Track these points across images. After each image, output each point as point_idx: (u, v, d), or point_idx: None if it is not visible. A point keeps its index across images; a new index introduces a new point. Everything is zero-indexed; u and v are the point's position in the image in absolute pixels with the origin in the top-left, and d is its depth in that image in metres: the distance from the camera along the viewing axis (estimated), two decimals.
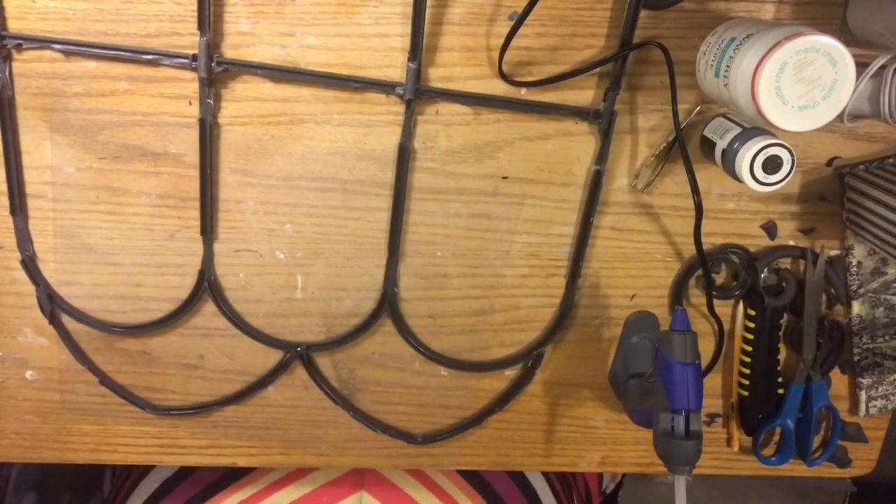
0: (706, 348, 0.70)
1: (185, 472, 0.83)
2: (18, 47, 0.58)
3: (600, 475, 1.00)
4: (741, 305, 0.68)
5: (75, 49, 0.57)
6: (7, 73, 0.58)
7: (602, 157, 0.62)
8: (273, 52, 0.58)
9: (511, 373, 0.70)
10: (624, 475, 1.09)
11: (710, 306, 0.66)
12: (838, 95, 0.49)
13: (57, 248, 0.64)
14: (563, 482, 0.90)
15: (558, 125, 0.62)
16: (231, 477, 0.80)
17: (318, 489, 0.77)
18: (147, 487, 0.85)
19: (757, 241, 0.67)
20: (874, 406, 0.71)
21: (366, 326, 0.67)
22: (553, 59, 0.60)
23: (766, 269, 0.67)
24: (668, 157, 0.63)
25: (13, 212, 0.62)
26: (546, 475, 0.87)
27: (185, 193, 0.62)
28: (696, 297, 0.68)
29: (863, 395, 0.71)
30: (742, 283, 0.67)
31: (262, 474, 0.79)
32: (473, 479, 0.81)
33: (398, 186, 0.62)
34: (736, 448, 0.73)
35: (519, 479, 0.84)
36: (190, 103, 0.60)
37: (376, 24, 0.58)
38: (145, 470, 0.87)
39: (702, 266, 0.63)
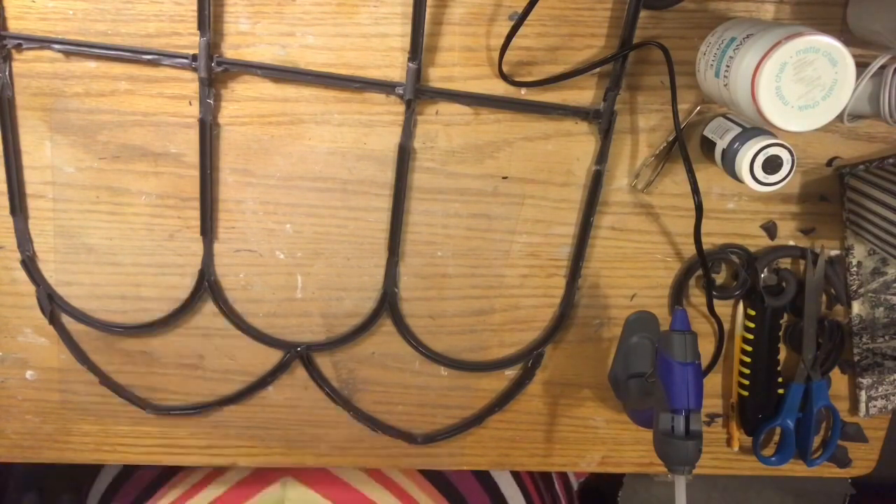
0: (706, 348, 0.70)
1: (129, 471, 0.83)
2: (18, 47, 0.58)
3: (564, 476, 0.99)
4: (741, 305, 0.68)
5: (75, 49, 0.57)
6: (7, 73, 0.58)
7: (602, 157, 0.62)
8: (273, 52, 0.59)
9: (511, 373, 0.70)
10: (624, 475, 1.09)
11: (711, 306, 0.66)
12: (838, 95, 0.49)
13: (57, 248, 0.64)
14: (534, 480, 0.89)
15: (558, 125, 0.62)
16: (169, 473, 0.80)
17: (246, 478, 0.77)
18: (96, 490, 0.85)
19: (757, 241, 0.67)
20: (874, 406, 0.71)
21: (366, 326, 0.67)
22: (553, 59, 0.60)
23: (766, 269, 0.67)
24: (668, 157, 0.63)
25: (13, 212, 0.62)
26: (516, 473, 0.87)
27: (185, 193, 0.62)
28: (697, 297, 0.68)
29: (863, 395, 0.71)
30: (742, 283, 0.67)
31: (195, 469, 0.79)
32: (434, 475, 0.81)
33: (398, 186, 0.62)
34: (736, 448, 0.73)
35: (483, 477, 0.84)
36: (190, 103, 0.60)
37: (376, 24, 0.58)
38: (96, 470, 0.87)
39: (702, 266, 0.63)
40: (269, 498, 0.75)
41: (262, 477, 0.77)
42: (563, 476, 0.98)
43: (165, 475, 0.81)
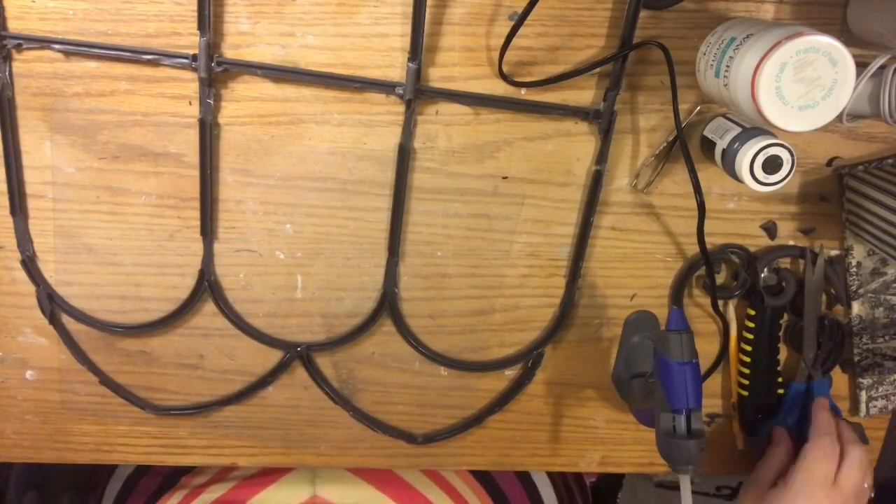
0: (710, 348, 0.70)
1: (144, 467, 0.83)
2: (18, 47, 0.58)
3: (578, 475, 1.00)
4: (740, 305, 0.68)
5: (75, 49, 0.57)
6: (7, 73, 0.58)
7: (602, 157, 0.62)
8: (273, 52, 0.59)
9: (511, 373, 0.70)
10: (623, 475, 1.09)
11: (715, 305, 0.66)
12: (838, 95, 0.49)
13: (57, 248, 0.64)
14: (565, 482, 0.90)
15: (558, 125, 0.62)
16: (187, 467, 0.80)
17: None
18: (114, 486, 0.85)
19: (757, 241, 0.67)
20: (874, 406, 0.71)
21: (366, 326, 0.67)
22: (553, 59, 0.60)
23: (766, 269, 0.67)
24: (669, 157, 0.63)
25: (13, 212, 0.62)
26: (550, 475, 0.88)
27: (185, 193, 0.62)
28: (697, 296, 0.68)
29: (863, 396, 0.71)
30: (742, 283, 0.67)
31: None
32: (478, 473, 0.81)
33: (398, 186, 0.62)
34: (741, 447, 0.73)
35: (523, 477, 0.85)
36: (190, 103, 0.60)
37: (376, 24, 0.58)
38: (111, 469, 0.87)
39: (705, 265, 0.63)
40: (300, 476, 0.74)
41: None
42: (577, 475, 0.99)
43: (184, 467, 0.80)
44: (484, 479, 0.81)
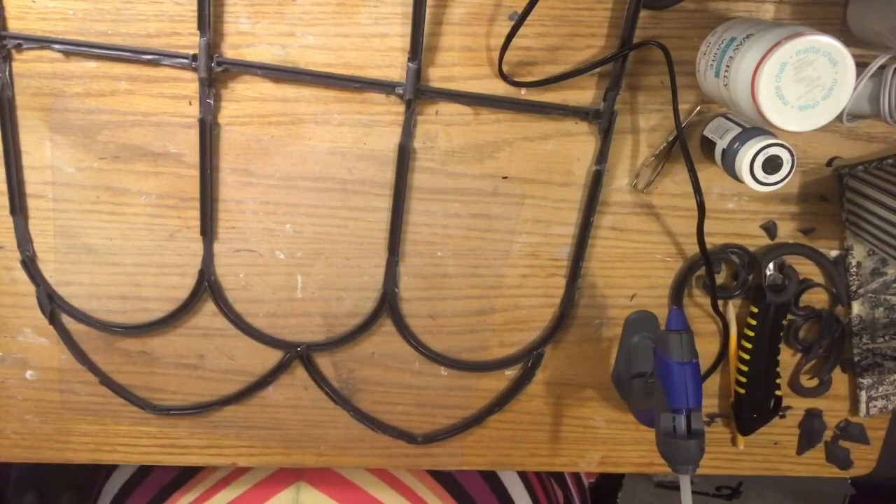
0: (710, 348, 0.70)
1: (143, 474, 0.84)
2: (18, 47, 0.58)
3: (576, 475, 1.00)
4: (740, 306, 0.68)
5: (75, 49, 0.57)
6: (7, 73, 0.58)
7: (602, 157, 0.62)
8: (273, 52, 0.59)
9: (511, 373, 0.70)
10: (623, 475, 1.09)
11: (715, 305, 0.66)
12: (838, 95, 0.49)
13: (57, 248, 0.64)
14: (540, 481, 0.90)
15: (558, 125, 0.62)
16: (183, 477, 0.81)
17: (260, 483, 0.77)
18: (110, 489, 0.85)
19: (757, 241, 0.67)
20: (874, 406, 0.71)
21: (366, 326, 0.67)
22: (553, 59, 0.60)
23: (770, 267, 0.67)
24: (669, 156, 0.63)
25: (13, 212, 0.62)
26: (523, 475, 0.87)
27: (185, 193, 0.62)
28: (698, 296, 0.68)
29: (863, 396, 0.71)
30: (742, 283, 0.67)
31: (209, 473, 0.80)
32: (442, 477, 0.81)
33: (398, 186, 0.62)
34: (741, 447, 0.73)
35: (491, 479, 0.84)
36: (190, 103, 0.60)
37: (376, 24, 0.58)
38: (109, 471, 0.87)
39: (705, 265, 0.63)
40: (283, 502, 0.75)
41: (276, 480, 0.77)
42: (576, 474, 0.99)
43: (179, 480, 0.81)
44: (448, 483, 0.81)
